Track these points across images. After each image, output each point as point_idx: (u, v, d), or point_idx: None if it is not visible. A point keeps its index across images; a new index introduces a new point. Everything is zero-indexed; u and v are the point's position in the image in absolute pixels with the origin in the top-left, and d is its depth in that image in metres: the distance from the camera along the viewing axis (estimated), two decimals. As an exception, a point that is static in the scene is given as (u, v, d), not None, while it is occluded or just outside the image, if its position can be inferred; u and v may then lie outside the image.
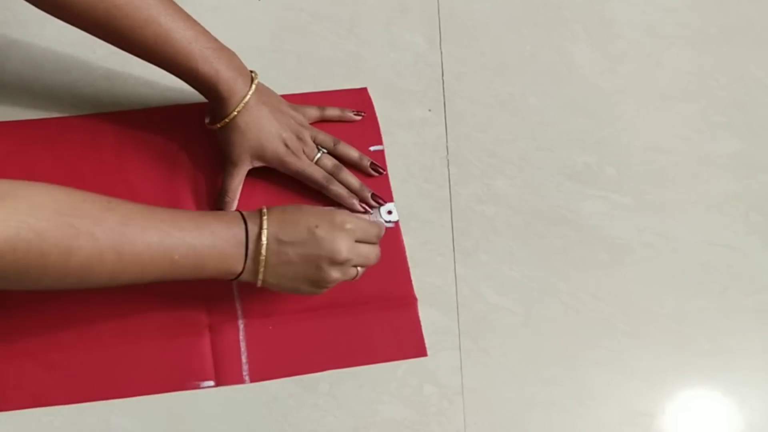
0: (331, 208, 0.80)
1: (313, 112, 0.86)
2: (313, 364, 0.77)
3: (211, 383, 0.75)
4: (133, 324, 0.76)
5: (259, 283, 0.72)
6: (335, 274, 0.72)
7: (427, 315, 0.79)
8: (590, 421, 0.76)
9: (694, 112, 0.92)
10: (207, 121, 0.81)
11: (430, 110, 0.89)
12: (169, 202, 0.81)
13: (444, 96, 0.90)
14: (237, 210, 0.77)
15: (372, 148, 0.86)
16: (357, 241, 0.73)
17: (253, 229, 0.70)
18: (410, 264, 0.81)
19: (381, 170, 0.85)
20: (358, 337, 0.78)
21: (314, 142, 0.83)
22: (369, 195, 0.83)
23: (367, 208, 0.83)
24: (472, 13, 0.96)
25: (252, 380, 0.75)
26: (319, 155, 0.83)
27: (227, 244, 0.69)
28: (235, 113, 0.78)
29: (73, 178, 0.80)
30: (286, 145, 0.81)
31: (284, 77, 0.89)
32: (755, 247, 0.85)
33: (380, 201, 0.83)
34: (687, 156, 0.89)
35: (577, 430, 0.76)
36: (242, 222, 0.71)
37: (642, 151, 0.89)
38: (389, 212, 0.84)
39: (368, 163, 0.84)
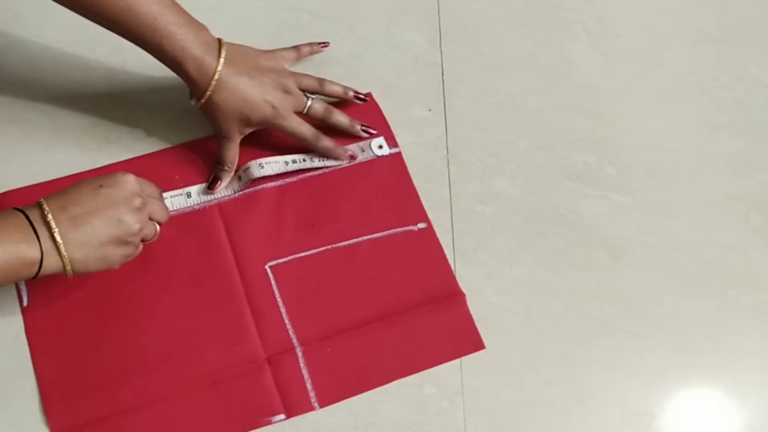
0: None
1: (290, 54, 0.86)
2: (377, 378, 0.76)
3: (282, 416, 0.74)
4: (192, 373, 0.75)
5: (67, 265, 0.68)
6: (136, 223, 0.71)
7: (427, 315, 0.79)
8: (590, 421, 0.76)
9: (694, 112, 0.92)
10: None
11: (430, 110, 0.89)
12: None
13: (444, 96, 0.90)
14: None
15: (388, 151, 0.86)
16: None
17: (33, 212, 0.68)
18: (410, 264, 0.82)
19: (363, 97, 0.86)
20: (415, 343, 0.77)
21: (300, 88, 0.82)
22: (359, 129, 0.85)
23: (356, 154, 0.84)
24: (472, 13, 0.96)
25: (321, 406, 0.75)
26: (309, 103, 0.82)
27: (10, 235, 0.66)
28: (210, 92, 0.77)
29: None
30: (273, 107, 0.79)
31: (284, 77, 0.89)
32: (755, 247, 0.85)
33: (371, 131, 0.85)
34: (687, 156, 0.89)
35: (577, 430, 0.76)
36: (17, 212, 0.68)
37: (642, 151, 0.89)
38: (380, 146, 0.85)
39: (352, 95, 0.86)
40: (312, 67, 0.90)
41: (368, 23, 0.94)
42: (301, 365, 0.76)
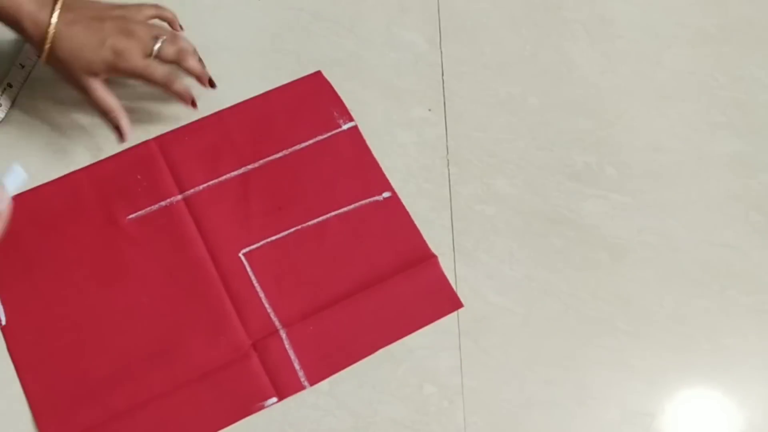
0: None
1: (150, 11, 0.83)
2: (362, 349, 0.77)
3: (274, 399, 0.75)
4: (180, 369, 0.75)
5: None
6: None
7: (427, 315, 0.79)
8: (590, 421, 0.76)
9: (694, 112, 0.92)
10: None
11: (430, 110, 0.89)
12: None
13: (444, 96, 0.90)
14: None
15: (345, 126, 0.87)
16: None
17: None
18: (410, 264, 0.82)
19: (214, 84, 0.85)
20: (395, 310, 0.79)
21: (151, 34, 0.80)
22: (208, 80, 0.83)
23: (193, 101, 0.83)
24: (472, 13, 0.96)
25: (311, 384, 0.75)
26: (159, 44, 0.79)
27: None
28: (48, 45, 0.76)
29: (71, 248, 0.79)
30: (114, 51, 0.77)
31: (284, 77, 0.89)
32: (755, 247, 0.85)
33: (214, 85, 0.84)
34: (687, 156, 0.89)
35: (577, 430, 0.76)
36: None
37: (642, 151, 0.89)
38: None
39: (207, 78, 0.84)
40: (312, 67, 0.90)
41: (368, 23, 0.94)
42: (287, 346, 0.76)
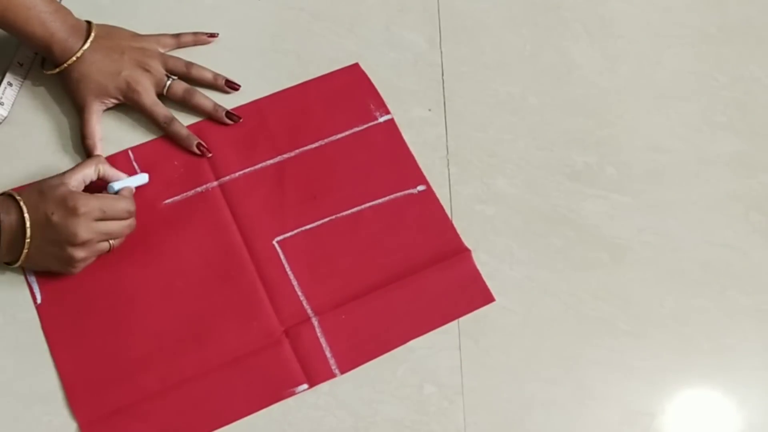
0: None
1: (169, 40, 0.87)
2: (393, 339, 0.77)
3: (305, 386, 0.75)
4: (212, 352, 0.76)
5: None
6: (80, 254, 0.74)
7: (427, 315, 0.79)
8: (590, 421, 0.76)
9: (694, 112, 0.92)
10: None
11: (430, 110, 0.89)
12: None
13: (444, 96, 0.90)
14: None
15: (381, 119, 0.87)
16: (100, 220, 0.74)
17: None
18: (410, 264, 0.82)
19: (236, 86, 0.87)
20: (427, 302, 0.79)
21: (166, 68, 0.84)
22: (223, 114, 0.85)
23: (205, 151, 0.83)
24: (472, 13, 0.96)
25: (342, 372, 0.76)
26: (169, 83, 0.84)
27: None
28: (65, 66, 0.81)
29: None
30: (127, 83, 0.82)
31: (284, 77, 0.89)
32: (755, 247, 0.85)
33: (234, 118, 0.85)
34: (687, 156, 0.89)
35: (577, 430, 0.76)
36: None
37: (642, 151, 0.89)
38: None
39: (223, 82, 0.87)
40: (312, 67, 0.90)
41: (368, 23, 0.94)
42: (318, 334, 0.77)
